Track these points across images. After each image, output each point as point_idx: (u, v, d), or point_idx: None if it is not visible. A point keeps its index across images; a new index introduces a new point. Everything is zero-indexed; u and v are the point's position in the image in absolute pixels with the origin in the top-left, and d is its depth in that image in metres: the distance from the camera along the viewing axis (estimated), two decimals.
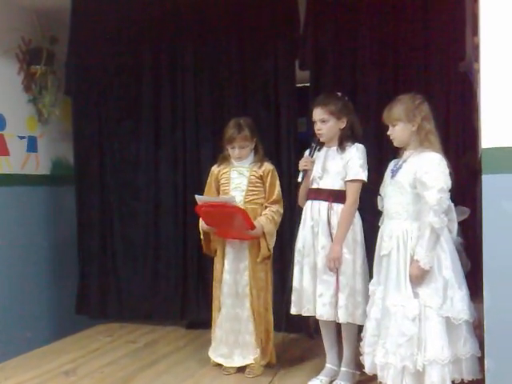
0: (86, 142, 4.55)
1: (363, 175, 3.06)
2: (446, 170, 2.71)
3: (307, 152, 3.18)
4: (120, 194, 4.53)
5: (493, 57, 2.48)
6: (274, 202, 3.39)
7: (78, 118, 4.57)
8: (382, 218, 2.96)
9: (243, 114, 3.96)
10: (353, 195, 3.06)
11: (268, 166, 3.40)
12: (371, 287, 2.92)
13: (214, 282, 3.48)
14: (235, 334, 3.41)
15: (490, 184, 2.47)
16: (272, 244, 3.37)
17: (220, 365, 3.48)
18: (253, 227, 3.27)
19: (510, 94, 2.45)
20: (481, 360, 2.67)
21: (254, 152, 3.43)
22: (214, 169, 3.49)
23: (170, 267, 4.40)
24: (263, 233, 3.31)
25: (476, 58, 2.97)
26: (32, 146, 4.60)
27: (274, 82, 4.09)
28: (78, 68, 4.47)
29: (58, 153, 4.83)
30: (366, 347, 2.88)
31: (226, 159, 3.45)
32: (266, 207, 3.39)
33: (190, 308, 4.36)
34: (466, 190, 3.62)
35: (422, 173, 2.70)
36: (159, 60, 4.37)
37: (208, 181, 3.51)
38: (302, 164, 3.15)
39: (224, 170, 3.44)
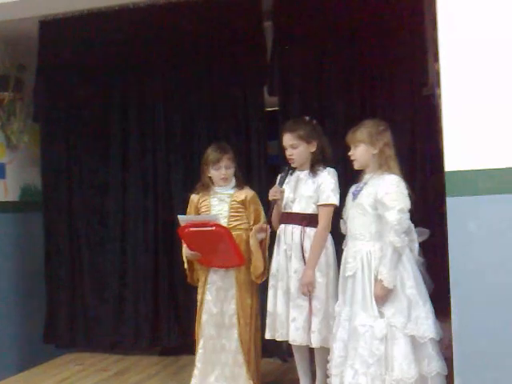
0: (55, 168, 4.52)
1: (335, 199, 3.09)
2: (405, 191, 2.80)
3: (277, 181, 3.21)
4: (88, 220, 4.49)
5: (453, 82, 2.56)
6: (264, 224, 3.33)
7: (46, 145, 4.55)
8: (345, 241, 3.02)
9: (214, 139, 4.00)
10: (325, 219, 3.08)
11: (249, 192, 3.37)
12: (337, 308, 2.95)
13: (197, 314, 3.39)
14: (221, 367, 3.31)
15: (454, 206, 2.53)
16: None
17: None
18: (242, 259, 3.24)
19: (470, 119, 2.52)
20: (449, 378, 2.72)
21: (235, 178, 3.40)
22: (194, 197, 3.43)
23: (140, 294, 4.33)
24: (260, 242, 3.25)
25: (438, 84, 3.05)
26: (0, 172, 4.54)
27: (243, 107, 4.12)
28: (46, 95, 4.46)
29: (27, 179, 4.77)
30: (333, 369, 2.89)
31: (205, 187, 3.39)
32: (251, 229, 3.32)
33: (162, 335, 4.30)
34: (433, 211, 3.69)
35: (382, 194, 2.77)
36: (128, 86, 4.38)
37: (188, 210, 3.44)
38: (271, 194, 3.17)
39: (203, 198, 3.39)
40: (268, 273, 3.26)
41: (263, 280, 3.30)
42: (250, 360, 3.30)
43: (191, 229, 3.21)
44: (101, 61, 4.34)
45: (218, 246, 3.22)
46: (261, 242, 3.29)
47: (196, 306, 3.40)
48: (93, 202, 4.47)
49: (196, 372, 3.36)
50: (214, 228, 3.16)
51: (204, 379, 3.34)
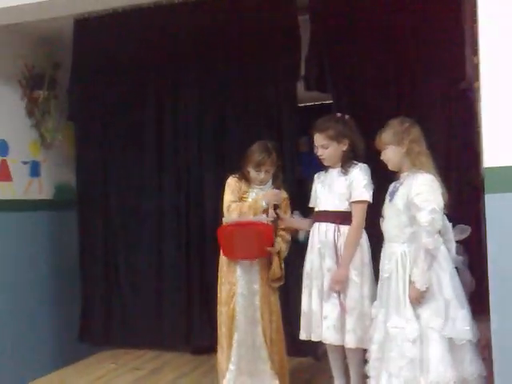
0: (89, 166, 4.56)
1: (367, 196, 3.04)
2: (438, 191, 2.73)
3: None
4: (123, 219, 4.53)
5: (493, 76, 2.49)
6: (287, 230, 3.37)
7: (81, 143, 4.60)
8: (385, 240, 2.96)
9: (246, 138, 4.00)
10: (358, 216, 3.04)
11: (284, 195, 3.35)
12: (373, 310, 2.92)
13: (219, 307, 3.35)
14: (248, 362, 3.28)
15: (493, 203, 2.47)
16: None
17: None
18: (272, 244, 3.25)
19: (511, 113, 2.44)
20: (488, 380, 2.66)
21: (274, 177, 3.35)
22: (235, 182, 3.32)
23: (174, 292, 4.35)
24: (277, 251, 3.28)
25: (476, 77, 2.98)
26: (35, 170, 4.60)
27: (275, 104, 4.09)
28: (80, 93, 4.50)
29: (61, 177, 4.83)
30: (371, 371, 2.87)
31: (245, 177, 3.33)
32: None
33: (195, 333, 4.31)
34: (469, 207, 3.61)
35: (414, 195, 2.73)
36: (162, 85, 4.40)
37: (232, 188, 3.31)
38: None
39: (244, 189, 3.33)
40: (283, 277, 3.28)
41: (279, 285, 3.33)
42: (274, 356, 3.29)
43: (234, 227, 3.21)
44: (135, 59, 4.36)
45: (254, 240, 3.21)
46: (278, 252, 3.30)
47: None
48: (128, 200, 4.50)
49: (232, 367, 3.28)
50: (258, 226, 3.18)
51: (239, 375, 3.30)
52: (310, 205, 3.27)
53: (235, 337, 3.28)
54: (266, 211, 3.26)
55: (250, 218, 3.23)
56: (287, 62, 4.01)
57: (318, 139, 3.13)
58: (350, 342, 2.99)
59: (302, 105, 4.23)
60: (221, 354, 3.35)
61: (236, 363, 3.29)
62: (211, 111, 4.29)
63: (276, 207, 3.27)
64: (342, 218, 3.07)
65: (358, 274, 3.03)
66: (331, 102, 3.94)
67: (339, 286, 2.99)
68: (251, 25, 4.06)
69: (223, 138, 4.25)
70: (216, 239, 3.38)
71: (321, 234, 3.12)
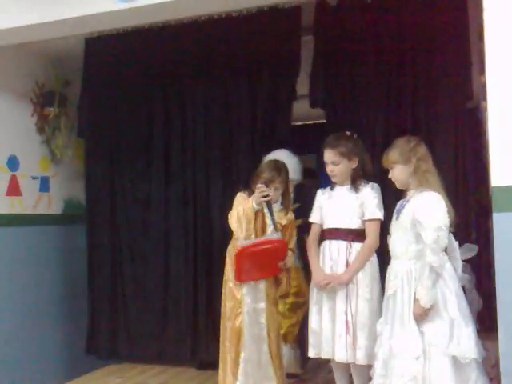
0: (98, 181, 4.60)
1: (380, 214, 3.07)
2: (444, 209, 2.74)
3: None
4: (131, 233, 4.54)
5: (500, 95, 2.51)
6: (290, 250, 3.41)
7: (90, 159, 4.64)
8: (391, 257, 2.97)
9: (253, 152, 4.04)
10: (373, 234, 3.07)
11: (291, 217, 3.39)
12: (378, 327, 2.92)
13: (223, 321, 3.35)
14: (255, 380, 3.28)
15: (501, 222, 2.48)
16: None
17: None
18: (285, 257, 3.30)
19: None
20: None
21: (282, 196, 3.37)
22: (244, 198, 3.34)
23: (180, 306, 4.36)
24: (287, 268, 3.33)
25: (484, 97, 3.00)
26: (45, 185, 4.65)
27: (274, 120, 4.10)
28: (90, 110, 4.55)
29: (71, 192, 4.87)
30: None
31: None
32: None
33: (201, 348, 4.31)
34: (478, 226, 3.61)
35: (419, 213, 2.75)
36: (170, 101, 4.43)
37: (239, 201, 3.34)
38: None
39: None
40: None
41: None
42: (279, 374, 3.30)
43: (253, 249, 3.22)
44: (143, 77, 4.41)
45: (270, 259, 3.24)
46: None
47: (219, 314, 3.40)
48: (135, 215, 4.53)
49: None
50: (276, 244, 3.22)
51: None
52: (313, 220, 3.27)
53: (242, 355, 3.28)
54: (258, 212, 3.28)
55: (263, 237, 3.26)
56: (286, 81, 4.02)
57: (329, 155, 3.15)
58: (361, 358, 2.99)
59: (311, 122, 4.23)
60: (222, 370, 3.35)
61: (243, 381, 3.28)
62: (218, 126, 4.31)
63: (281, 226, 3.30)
64: (355, 235, 3.09)
65: (369, 291, 3.04)
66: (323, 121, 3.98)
67: (336, 285, 3.02)
68: (257, 44, 4.07)
69: (230, 153, 4.27)
70: (223, 253, 3.44)
71: (332, 252, 3.12)
